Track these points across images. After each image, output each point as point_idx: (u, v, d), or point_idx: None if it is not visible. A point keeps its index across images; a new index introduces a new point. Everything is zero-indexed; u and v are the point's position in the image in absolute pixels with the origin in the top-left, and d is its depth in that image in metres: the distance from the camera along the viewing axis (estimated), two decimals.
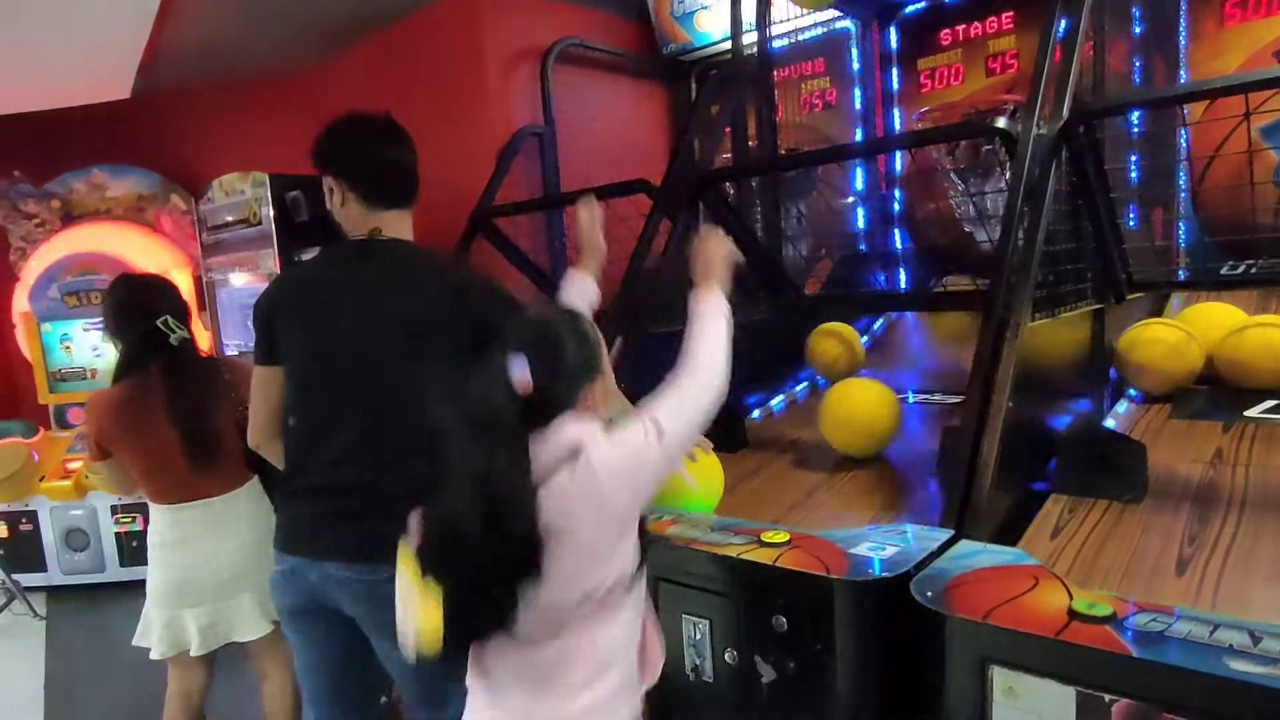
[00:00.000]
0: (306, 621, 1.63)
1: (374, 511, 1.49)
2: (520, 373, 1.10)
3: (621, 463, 1.14)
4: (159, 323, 2.10)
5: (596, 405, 1.21)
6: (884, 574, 1.33)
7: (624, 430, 1.18)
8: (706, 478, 1.83)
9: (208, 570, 2.13)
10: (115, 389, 2.12)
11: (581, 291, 1.82)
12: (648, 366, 1.85)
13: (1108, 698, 1.05)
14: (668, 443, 1.17)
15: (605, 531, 1.15)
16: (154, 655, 2.18)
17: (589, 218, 1.92)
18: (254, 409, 1.69)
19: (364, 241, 1.64)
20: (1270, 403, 1.97)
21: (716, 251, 1.45)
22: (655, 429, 1.17)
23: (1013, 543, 1.48)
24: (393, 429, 1.52)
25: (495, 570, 1.09)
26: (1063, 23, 1.98)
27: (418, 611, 1.08)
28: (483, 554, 1.08)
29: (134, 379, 2.10)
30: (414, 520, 1.15)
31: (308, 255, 3.68)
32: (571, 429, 1.15)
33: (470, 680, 1.26)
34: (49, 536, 4.28)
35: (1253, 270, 2.35)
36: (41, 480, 4.23)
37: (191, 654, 2.17)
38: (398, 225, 1.66)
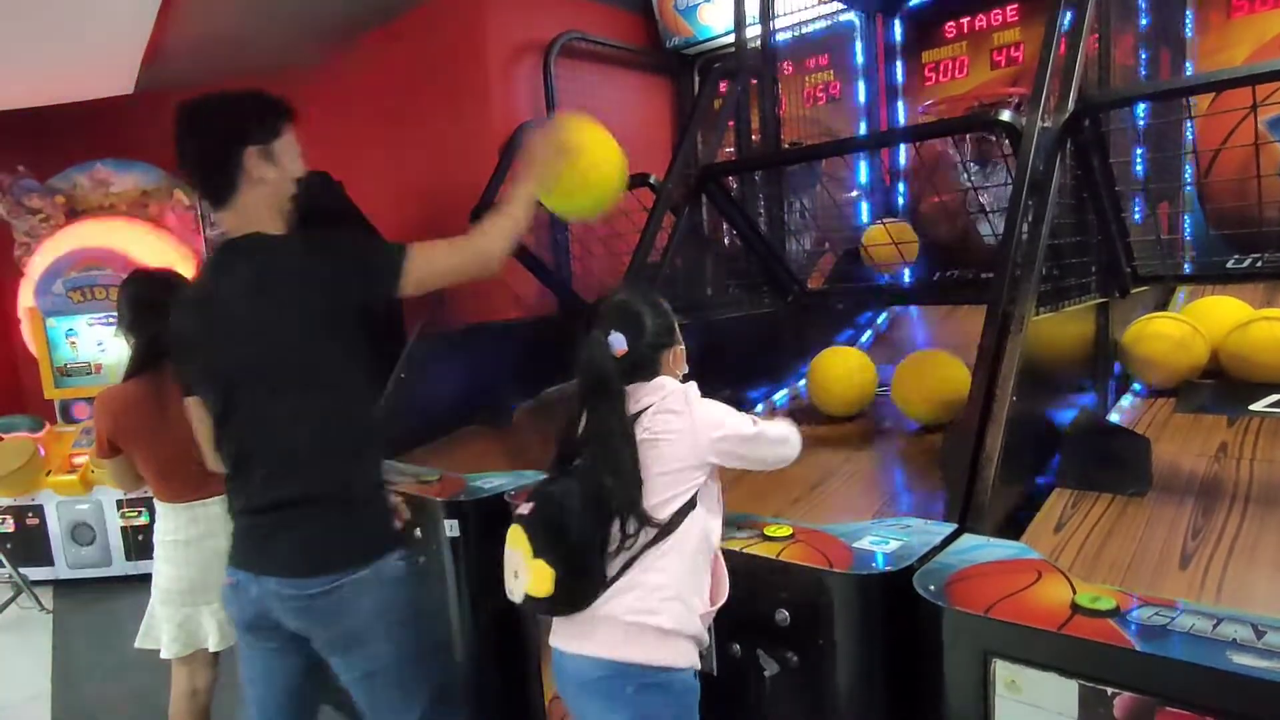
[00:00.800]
0: (258, 636, 1.58)
1: (303, 523, 1.47)
2: (617, 342, 1.41)
3: (717, 406, 1.42)
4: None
5: (674, 365, 1.48)
6: (887, 568, 1.33)
7: (716, 405, 1.43)
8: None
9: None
10: (128, 386, 2.11)
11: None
12: None
13: (1110, 691, 1.05)
14: (761, 426, 1.43)
15: (689, 447, 1.36)
16: (166, 655, 2.18)
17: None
18: (199, 438, 1.66)
19: (222, 247, 1.53)
20: (1275, 397, 1.97)
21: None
22: (751, 417, 1.44)
23: (1016, 537, 1.48)
24: (307, 444, 1.47)
25: (594, 542, 1.33)
26: (1068, 15, 1.97)
27: (530, 580, 1.32)
28: (584, 528, 1.32)
29: (148, 376, 2.10)
30: (523, 505, 1.37)
31: None
32: (670, 383, 1.44)
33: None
34: (55, 530, 4.30)
35: (1259, 264, 2.34)
36: (48, 475, 4.25)
37: (210, 649, 2.18)
38: (243, 220, 1.50)
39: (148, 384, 2.09)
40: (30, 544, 4.28)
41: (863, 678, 1.37)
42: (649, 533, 1.34)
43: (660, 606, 1.33)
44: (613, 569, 1.34)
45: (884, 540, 1.44)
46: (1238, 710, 0.97)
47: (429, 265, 1.51)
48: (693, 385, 1.45)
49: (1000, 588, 1.21)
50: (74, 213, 5.10)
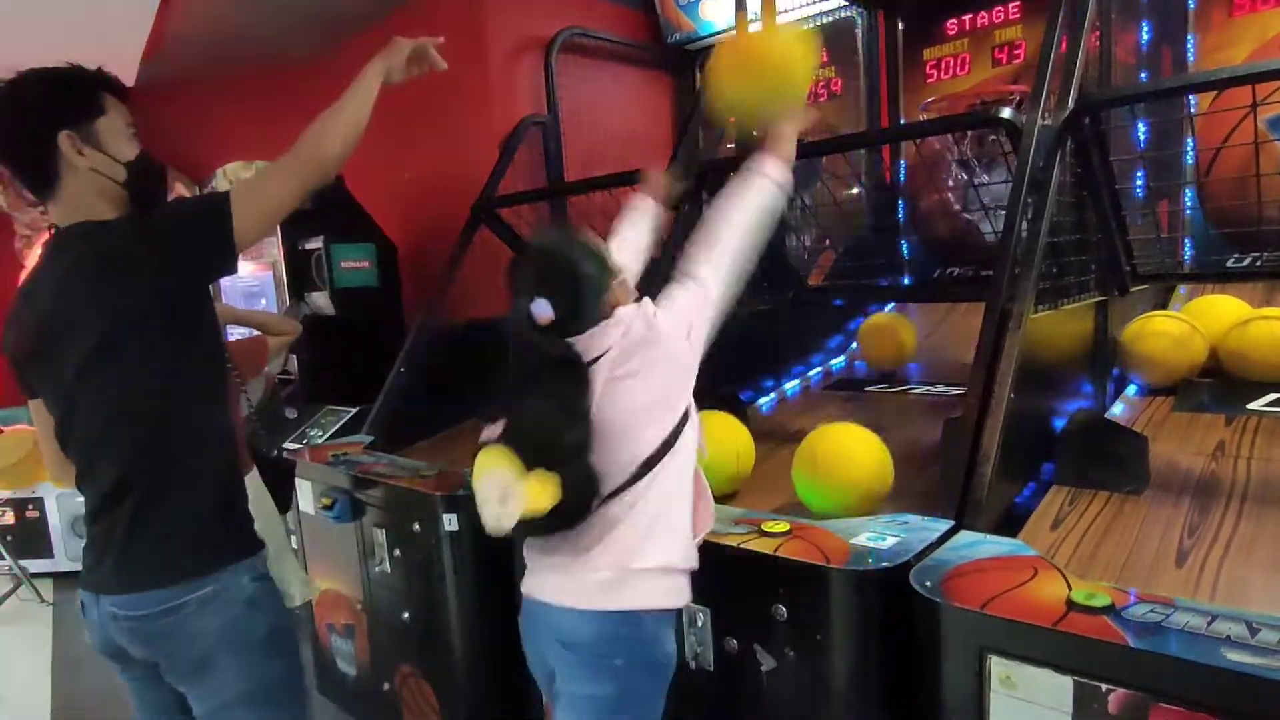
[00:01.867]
0: (120, 663, 1.44)
1: (135, 538, 1.34)
2: (540, 310, 1.22)
3: (675, 315, 1.30)
4: None
5: (621, 300, 1.31)
6: (883, 564, 1.34)
7: (669, 295, 1.33)
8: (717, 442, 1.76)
9: None
10: None
11: (642, 215, 1.76)
12: None
13: (1105, 688, 1.05)
14: (710, 292, 1.34)
15: (667, 379, 1.28)
16: None
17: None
18: (41, 444, 1.52)
19: (51, 239, 1.40)
20: (1273, 396, 1.97)
21: (790, 131, 1.52)
22: (697, 285, 1.33)
23: (1013, 534, 1.48)
24: (138, 449, 1.33)
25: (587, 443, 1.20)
26: (1070, 13, 1.97)
27: (526, 495, 1.15)
28: (578, 429, 1.19)
29: None
30: (487, 429, 1.23)
31: (310, 244, 3.69)
32: (620, 314, 1.28)
33: (528, 551, 1.37)
34: (55, 523, 4.31)
35: (1258, 263, 2.34)
36: None
37: None
38: (69, 210, 1.36)
39: None
40: (30, 536, 4.29)
41: (859, 673, 1.37)
42: (631, 459, 1.23)
43: (656, 541, 1.25)
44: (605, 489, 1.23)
45: (881, 536, 1.45)
46: (1232, 707, 0.97)
47: (257, 207, 1.35)
48: (646, 303, 1.30)
49: (996, 584, 1.21)
50: None
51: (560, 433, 1.18)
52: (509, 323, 1.27)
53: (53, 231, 1.40)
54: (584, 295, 1.25)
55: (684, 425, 1.30)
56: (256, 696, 1.39)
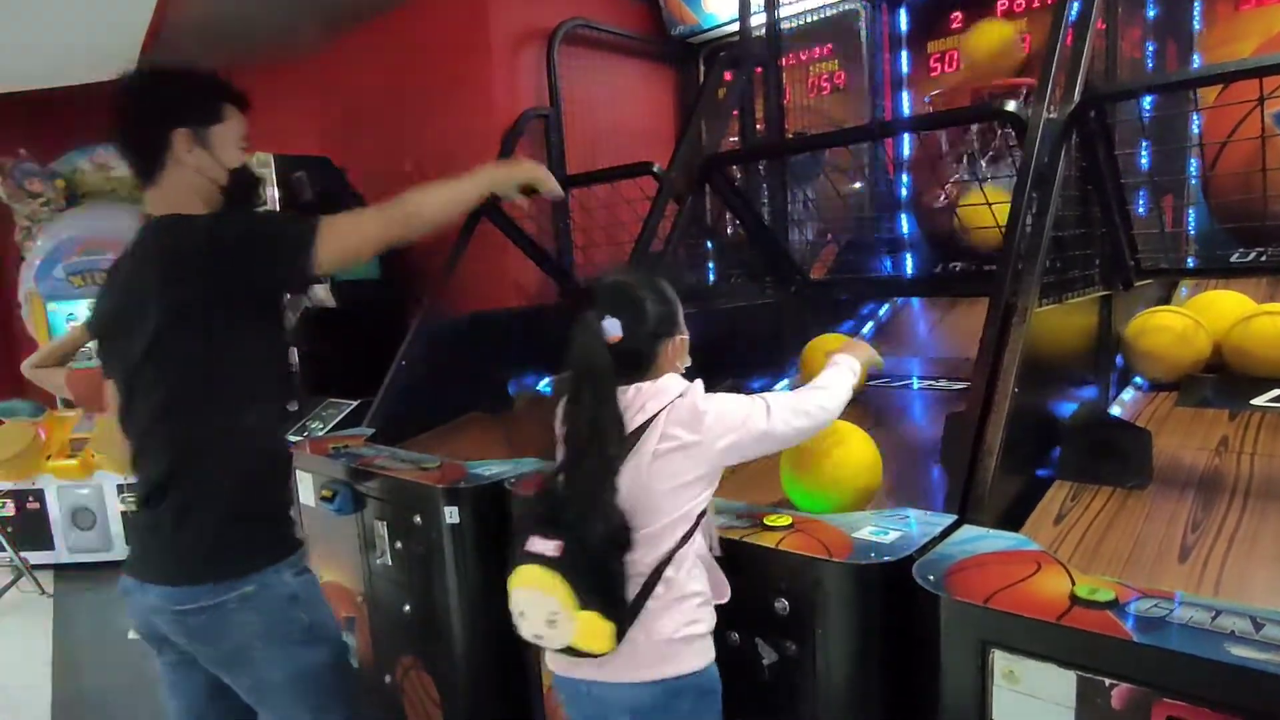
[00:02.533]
0: (157, 648, 1.48)
1: (183, 532, 1.37)
2: (611, 328, 1.29)
3: (729, 411, 1.33)
4: None
5: (675, 357, 1.38)
6: (886, 558, 1.33)
7: (727, 398, 1.36)
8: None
9: None
10: None
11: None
12: None
13: (1108, 682, 1.05)
14: (774, 422, 1.34)
15: (697, 460, 1.30)
16: None
17: None
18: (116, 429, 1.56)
19: (140, 227, 1.46)
20: (1277, 391, 1.96)
21: (863, 347, 1.62)
22: (764, 405, 1.35)
23: (1016, 528, 1.47)
24: (193, 442, 1.38)
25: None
26: (1075, 6, 1.96)
27: (578, 633, 1.21)
28: (617, 560, 1.24)
29: None
30: (538, 540, 1.23)
31: None
32: (676, 381, 1.34)
33: None
34: (56, 515, 4.32)
35: (1263, 258, 2.33)
36: (48, 459, 4.26)
37: None
38: (164, 200, 1.43)
39: None
40: (31, 528, 4.30)
41: (861, 667, 1.37)
42: (670, 542, 1.28)
43: (699, 614, 1.31)
44: (632, 589, 1.26)
45: (883, 531, 1.44)
46: (1236, 702, 0.97)
47: (342, 240, 1.42)
48: (698, 387, 1.35)
49: (999, 578, 1.21)
50: (75, 197, 5.10)
51: (611, 573, 1.22)
52: (574, 340, 1.33)
53: (144, 219, 1.46)
54: (646, 328, 1.33)
55: (706, 512, 1.35)
56: (301, 684, 1.45)
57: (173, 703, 1.55)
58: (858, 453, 1.71)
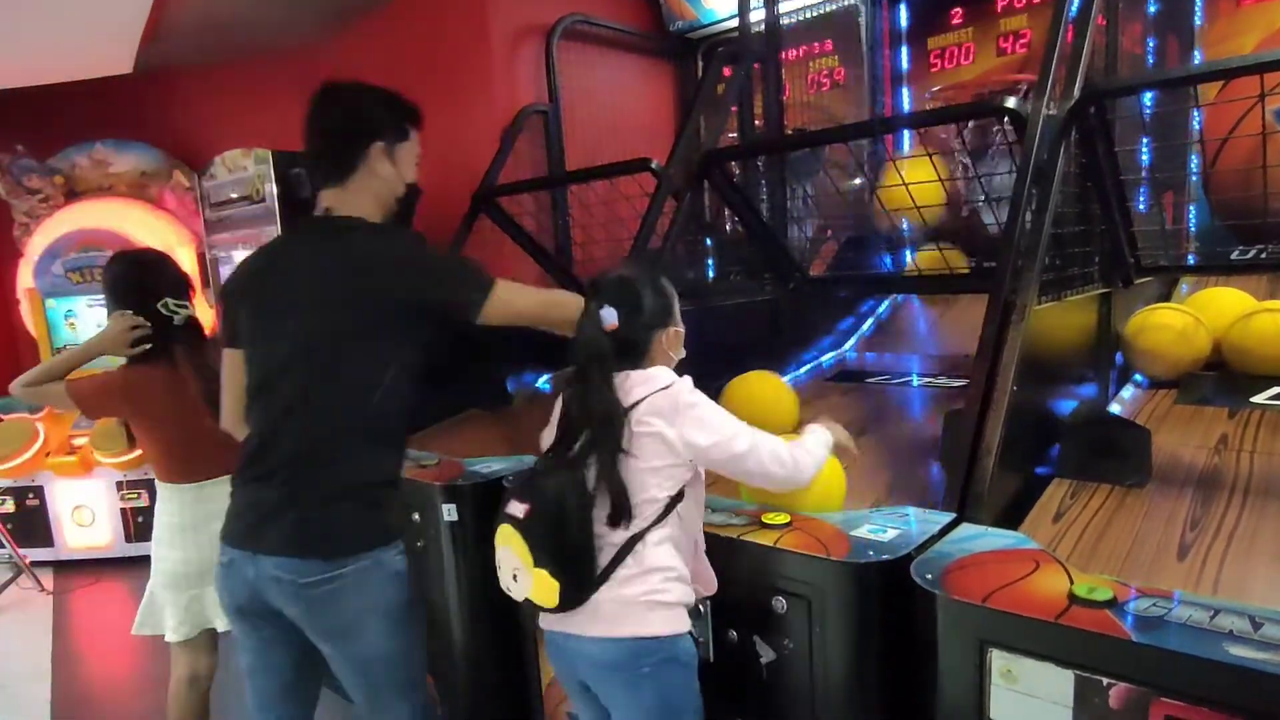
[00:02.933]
0: (251, 621, 1.55)
1: (313, 506, 1.45)
2: (608, 316, 1.37)
3: (713, 417, 1.37)
4: (159, 306, 2.10)
5: (669, 348, 1.44)
6: (884, 556, 1.33)
7: (713, 411, 1.38)
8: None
9: None
10: (132, 371, 2.10)
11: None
12: None
13: (1106, 681, 1.05)
14: (754, 451, 1.38)
15: (671, 448, 1.34)
16: (172, 638, 2.18)
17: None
18: (224, 392, 1.65)
19: (315, 220, 1.58)
20: (1277, 389, 1.96)
21: (838, 428, 1.61)
22: (752, 434, 1.39)
23: (1015, 526, 1.47)
24: (343, 424, 1.47)
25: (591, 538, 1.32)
26: (1075, 2, 1.95)
27: (533, 588, 1.31)
28: (583, 529, 1.31)
29: (156, 356, 2.09)
30: (514, 503, 1.33)
31: None
32: (664, 372, 1.39)
33: None
34: (55, 512, 4.32)
35: (1263, 255, 2.33)
36: (47, 456, 4.26)
37: (220, 629, 2.18)
38: (347, 202, 1.55)
39: (164, 366, 2.08)
40: (31, 525, 4.30)
41: (859, 666, 1.37)
42: (641, 522, 1.33)
43: (665, 585, 1.33)
44: (605, 559, 1.33)
45: (882, 529, 1.44)
46: (1234, 701, 0.97)
47: (508, 305, 1.55)
48: (686, 383, 1.39)
49: (997, 577, 1.20)
50: (73, 193, 5.09)
51: (567, 536, 1.30)
52: (586, 323, 1.41)
53: (326, 212, 1.56)
54: (643, 319, 1.41)
55: (682, 498, 1.37)
56: (396, 656, 1.55)
57: (260, 680, 1.61)
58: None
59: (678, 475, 1.36)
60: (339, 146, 1.56)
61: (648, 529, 1.33)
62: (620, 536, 1.33)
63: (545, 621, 1.42)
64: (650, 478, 1.34)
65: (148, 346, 2.09)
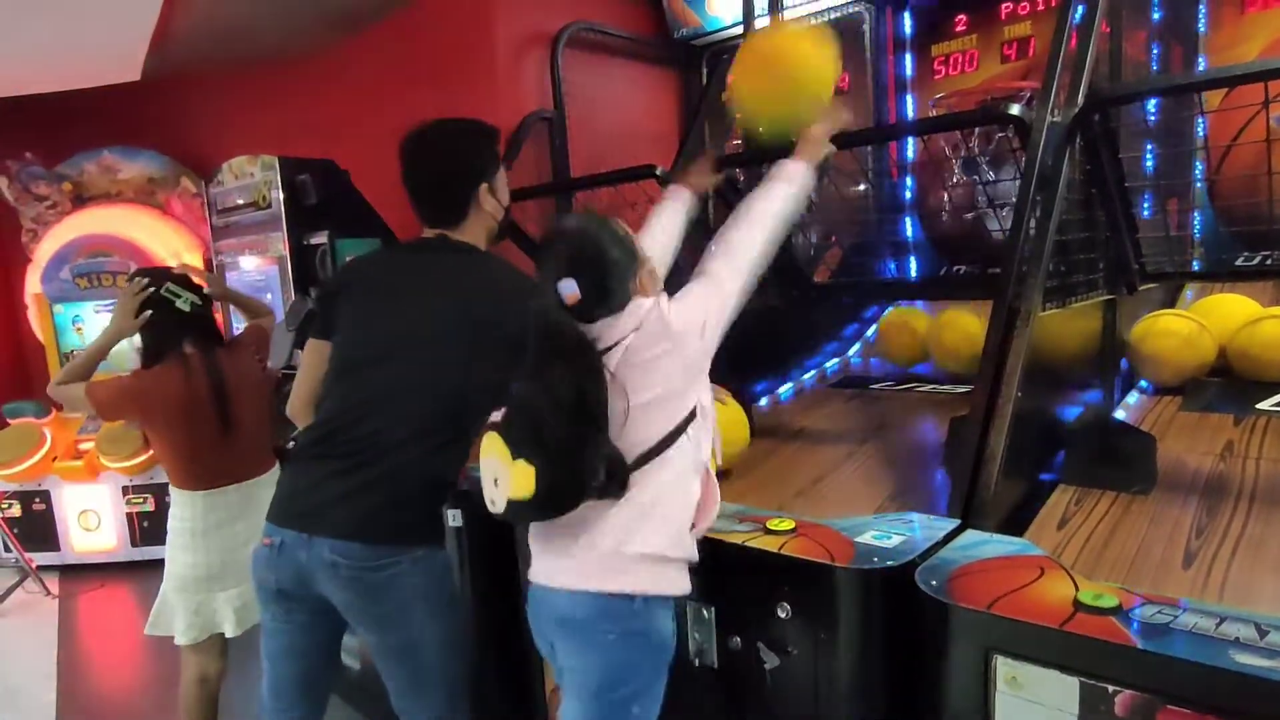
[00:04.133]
0: (288, 605, 1.57)
1: (383, 493, 1.48)
2: (567, 289, 1.26)
3: (688, 311, 1.33)
4: (163, 291, 2.11)
5: (646, 289, 1.35)
6: (888, 563, 1.33)
7: (686, 291, 1.37)
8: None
9: (244, 552, 2.14)
10: (158, 372, 2.12)
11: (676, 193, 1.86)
12: None
13: (1111, 689, 1.05)
14: (725, 290, 1.36)
15: (677, 369, 1.31)
16: (181, 641, 2.19)
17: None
18: (300, 379, 1.71)
19: (430, 239, 1.66)
20: None
21: (818, 133, 1.59)
22: (713, 284, 1.36)
23: (1020, 533, 1.47)
24: (428, 419, 1.53)
25: (575, 439, 1.22)
26: (1079, 8, 1.95)
27: (511, 482, 1.22)
28: (559, 427, 1.22)
29: (173, 362, 2.11)
30: (497, 414, 1.28)
31: (316, 239, 3.69)
32: (637, 305, 1.32)
33: (532, 538, 1.41)
34: (61, 515, 4.33)
35: (1269, 261, 2.32)
36: (54, 460, 4.28)
37: (228, 635, 2.19)
38: (458, 235, 1.65)
39: (176, 370, 2.10)
40: (37, 529, 4.31)
41: (863, 672, 1.37)
42: (645, 445, 1.27)
43: (650, 528, 1.28)
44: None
45: (886, 535, 1.44)
46: (1239, 709, 0.97)
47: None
48: (663, 300, 1.33)
49: (1002, 584, 1.20)
50: (81, 199, 5.12)
51: (544, 426, 1.22)
52: (535, 301, 1.31)
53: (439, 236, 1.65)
54: (610, 278, 1.29)
55: (691, 420, 1.32)
56: (447, 640, 1.61)
57: (281, 666, 1.63)
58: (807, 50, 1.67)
59: (686, 403, 1.31)
60: (452, 197, 1.63)
61: (646, 458, 1.28)
62: (632, 443, 1.27)
63: (531, 572, 1.39)
64: (650, 411, 1.28)
65: (150, 313, 2.12)
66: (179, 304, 2.13)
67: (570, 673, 1.35)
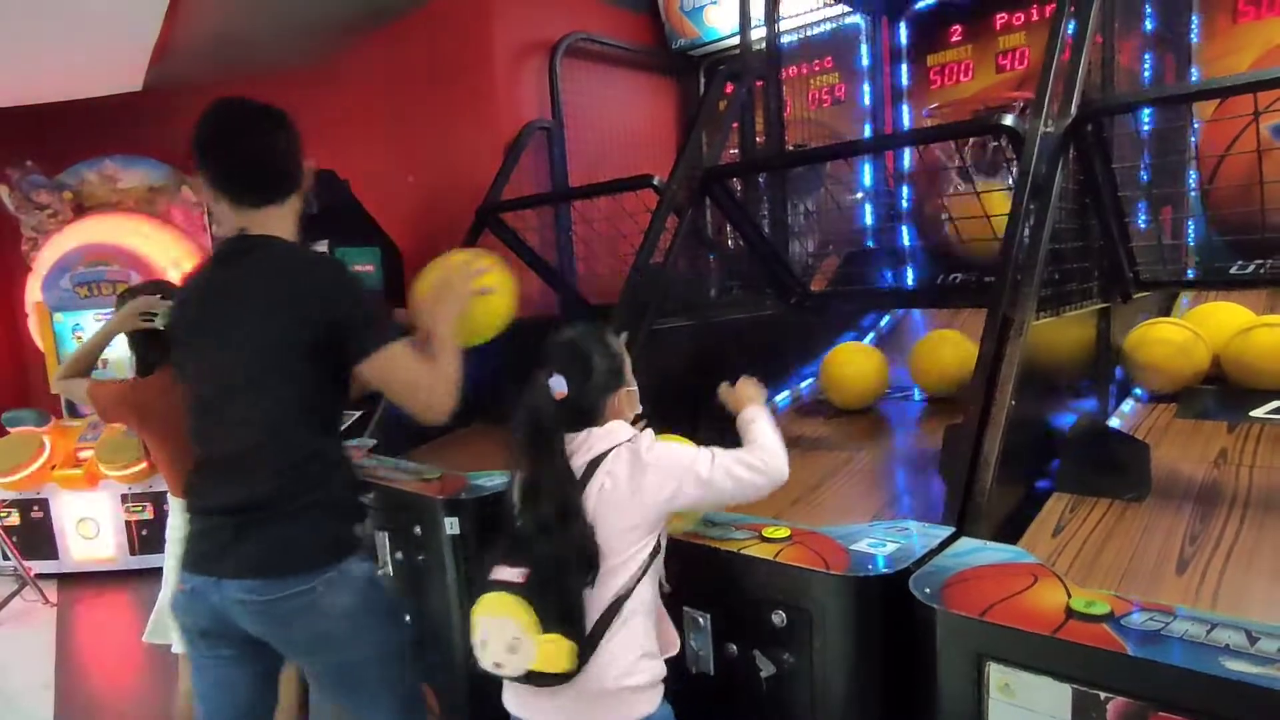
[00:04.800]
0: (213, 644, 1.53)
1: (273, 526, 1.44)
2: (556, 385, 1.36)
3: (669, 459, 1.36)
4: (142, 320, 2.15)
5: (622, 410, 1.44)
6: (883, 570, 1.34)
7: (679, 444, 1.41)
8: None
9: None
10: (152, 380, 2.14)
11: None
12: (655, 360, 1.83)
13: (1103, 695, 1.05)
14: (715, 473, 1.36)
15: (640, 507, 1.33)
16: (178, 649, 2.19)
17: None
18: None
19: (231, 242, 1.53)
20: (1276, 403, 1.97)
21: (748, 389, 1.60)
22: (710, 456, 1.38)
23: (1014, 540, 1.48)
24: (290, 441, 1.47)
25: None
26: (1072, 20, 1.97)
27: (539, 656, 1.24)
28: (580, 594, 1.28)
29: (158, 374, 2.13)
30: (505, 569, 1.30)
31: (317, 248, 3.71)
32: (623, 430, 1.40)
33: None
34: (60, 524, 4.33)
35: (1263, 270, 2.34)
36: (53, 469, 4.28)
37: None
38: (268, 223, 1.52)
39: (167, 376, 2.12)
40: (35, 537, 4.31)
41: (858, 679, 1.37)
42: (610, 594, 1.30)
43: (639, 666, 1.32)
44: (589, 620, 1.30)
45: (881, 543, 1.45)
46: (1230, 715, 0.97)
47: (389, 371, 1.47)
48: (647, 437, 1.40)
49: (996, 591, 1.21)
50: (82, 208, 5.14)
51: (572, 598, 1.27)
52: (530, 393, 1.41)
53: (241, 234, 1.52)
54: (593, 384, 1.40)
55: (648, 569, 1.35)
56: (387, 661, 1.56)
57: (213, 703, 1.59)
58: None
59: (647, 538, 1.35)
60: (284, 175, 1.54)
61: (628, 591, 1.31)
62: (602, 598, 1.30)
63: (515, 705, 1.39)
64: (627, 535, 1.33)
65: (154, 322, 2.15)
66: (156, 323, 2.16)
67: None
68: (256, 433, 1.47)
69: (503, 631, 1.26)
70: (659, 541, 1.38)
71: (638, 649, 1.32)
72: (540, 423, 1.37)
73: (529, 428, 1.38)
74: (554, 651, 1.24)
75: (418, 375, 1.49)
